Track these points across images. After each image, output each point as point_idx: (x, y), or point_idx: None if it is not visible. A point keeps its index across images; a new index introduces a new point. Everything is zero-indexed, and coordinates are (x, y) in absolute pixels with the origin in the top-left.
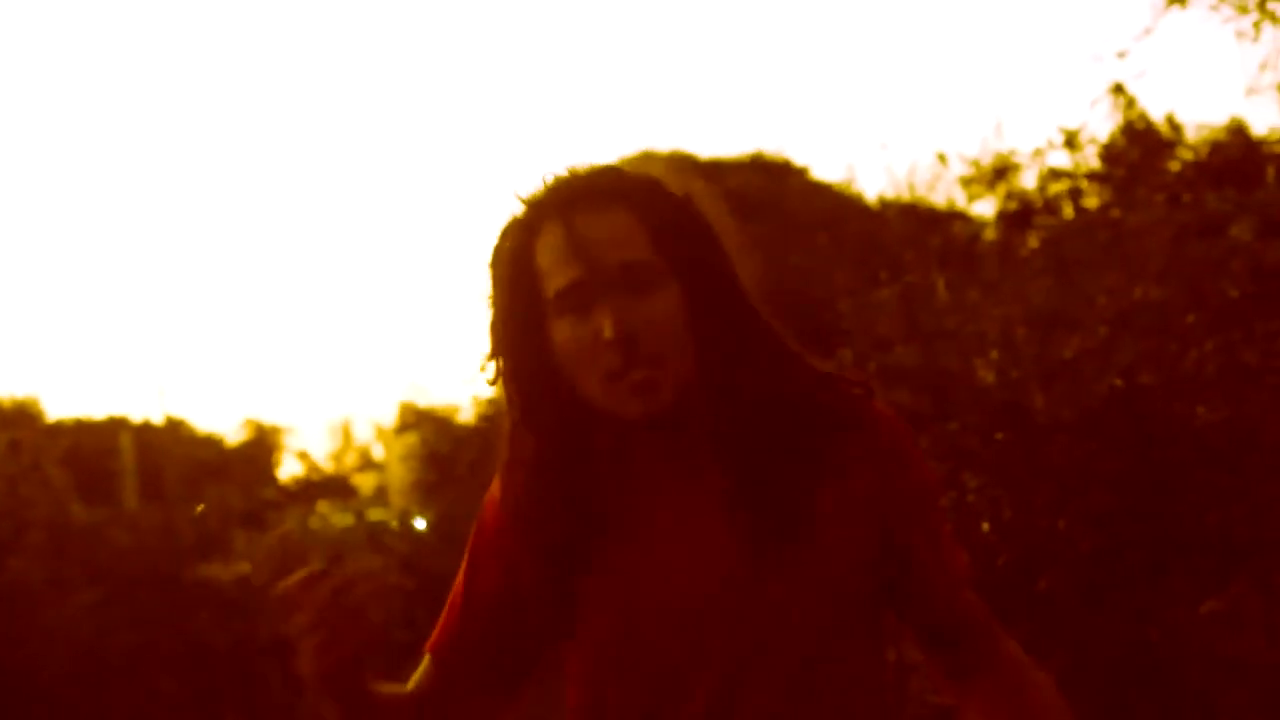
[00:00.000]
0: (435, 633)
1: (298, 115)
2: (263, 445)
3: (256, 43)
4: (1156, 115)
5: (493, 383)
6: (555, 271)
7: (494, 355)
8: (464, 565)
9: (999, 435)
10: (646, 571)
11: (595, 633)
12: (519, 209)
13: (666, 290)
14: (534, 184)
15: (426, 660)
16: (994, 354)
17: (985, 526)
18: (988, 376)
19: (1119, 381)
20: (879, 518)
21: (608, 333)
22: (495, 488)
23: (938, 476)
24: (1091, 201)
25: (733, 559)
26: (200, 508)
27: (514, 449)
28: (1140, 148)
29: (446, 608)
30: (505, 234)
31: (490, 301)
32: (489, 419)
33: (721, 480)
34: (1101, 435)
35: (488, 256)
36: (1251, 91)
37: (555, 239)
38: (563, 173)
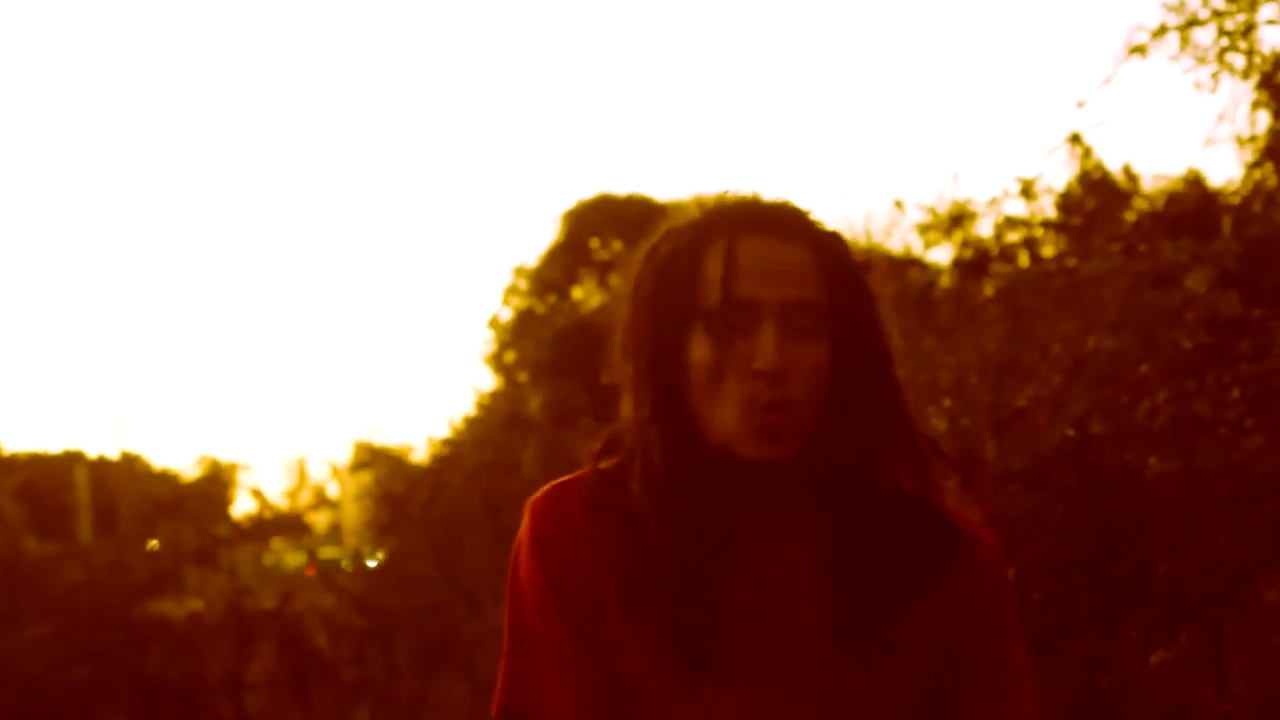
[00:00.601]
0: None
1: (250, 154)
2: (218, 482)
3: (209, 91)
4: (1114, 165)
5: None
6: (726, 284)
7: (623, 361)
8: (518, 635)
9: (949, 484)
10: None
11: None
12: (695, 215)
13: (821, 343)
14: (713, 197)
15: None
16: (946, 402)
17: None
18: (940, 424)
19: (1071, 431)
20: (956, 645)
21: (764, 362)
22: (529, 537)
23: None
24: (1047, 250)
25: (828, 671)
26: (153, 544)
27: (593, 495)
28: (1097, 197)
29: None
30: (674, 236)
31: (637, 301)
32: (442, 459)
33: (821, 570)
34: (1052, 484)
35: (646, 255)
36: (1210, 143)
37: (734, 253)
38: (746, 193)
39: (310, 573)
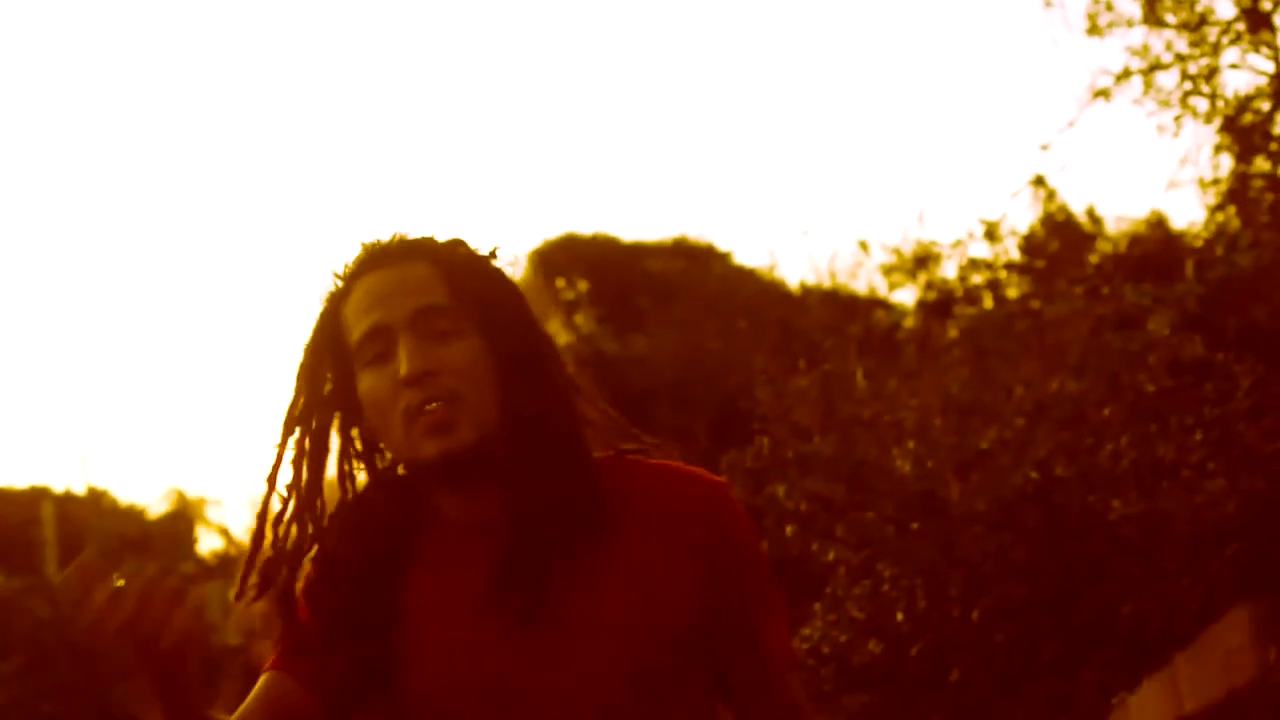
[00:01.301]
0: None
1: (219, 193)
2: (184, 518)
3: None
4: (1077, 208)
5: (294, 461)
6: (357, 322)
7: (298, 425)
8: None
9: (914, 525)
10: (423, 664)
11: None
12: (330, 281)
13: (467, 339)
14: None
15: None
16: (911, 444)
17: (899, 616)
18: (904, 466)
19: (1034, 474)
20: (696, 586)
21: (403, 369)
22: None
23: (762, 548)
24: (1011, 292)
25: (501, 647)
26: (119, 580)
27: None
28: (1060, 240)
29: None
30: (320, 303)
31: (301, 373)
32: None
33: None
34: (1016, 526)
35: (304, 343)
36: (1173, 185)
37: (358, 294)
38: (368, 240)
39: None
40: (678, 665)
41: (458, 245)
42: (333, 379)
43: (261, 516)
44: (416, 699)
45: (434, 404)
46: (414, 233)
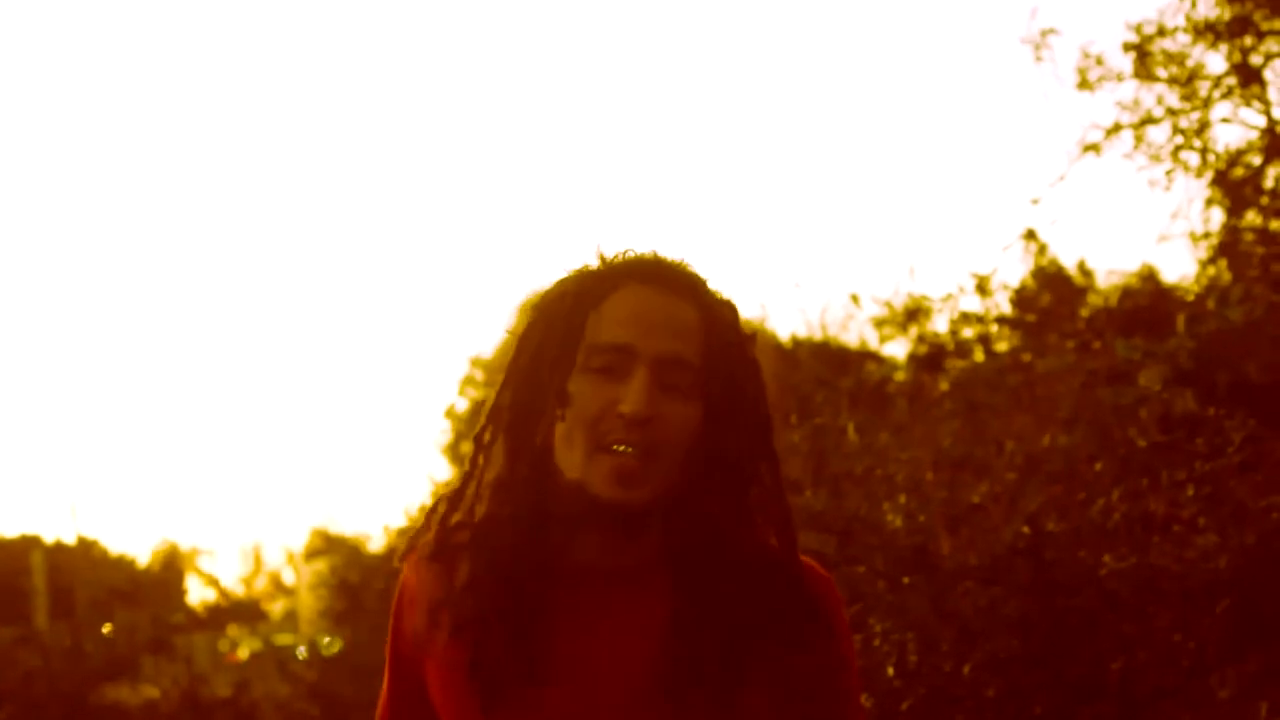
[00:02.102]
0: None
1: (208, 240)
2: (174, 568)
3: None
4: (1068, 261)
5: (487, 426)
6: (608, 327)
7: (503, 395)
8: (389, 662)
9: (906, 579)
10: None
11: None
12: (595, 263)
13: (692, 403)
14: (613, 249)
15: None
16: (902, 498)
17: (891, 671)
18: (895, 520)
19: (1026, 528)
20: (804, 700)
21: (630, 406)
22: (413, 577)
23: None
24: (1002, 346)
25: (655, 712)
26: (108, 629)
27: (452, 536)
28: (1051, 293)
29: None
30: (572, 281)
31: (523, 339)
32: (396, 549)
33: (665, 619)
34: (1007, 581)
35: (539, 298)
36: (1164, 239)
37: (627, 299)
38: (647, 251)
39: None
40: None
41: (728, 307)
42: (558, 355)
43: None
44: None
45: (631, 449)
46: (693, 270)
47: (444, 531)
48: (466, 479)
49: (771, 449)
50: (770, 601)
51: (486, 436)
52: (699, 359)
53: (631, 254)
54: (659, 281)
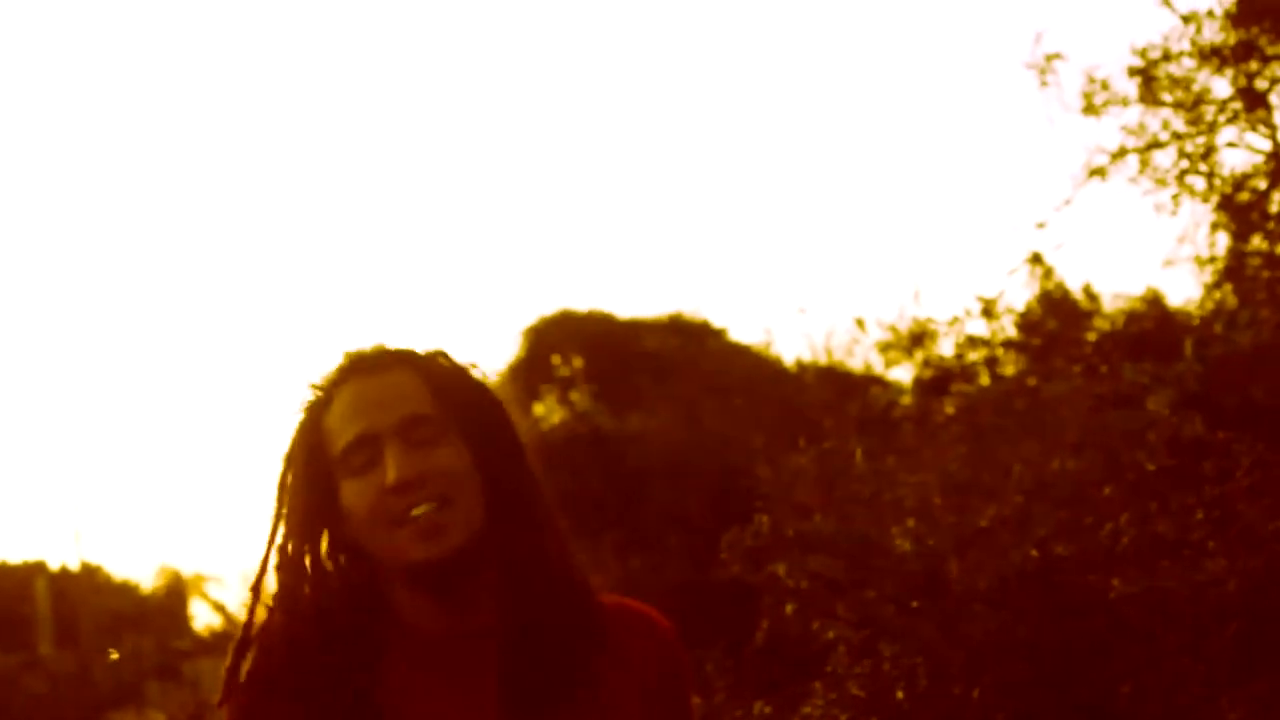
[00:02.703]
0: None
1: (215, 258)
2: (178, 594)
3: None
4: (1074, 285)
5: (278, 568)
6: (341, 430)
7: (282, 536)
8: None
9: (915, 603)
10: None
11: None
12: (310, 390)
13: (451, 445)
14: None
15: None
16: (910, 522)
17: (900, 694)
18: (905, 545)
19: (1035, 552)
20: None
21: (390, 476)
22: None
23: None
24: (1008, 370)
25: None
26: (113, 655)
27: (268, 661)
28: (1057, 317)
29: None
30: (300, 412)
31: (282, 484)
32: None
33: (499, 671)
34: (1016, 605)
35: (284, 451)
36: (1169, 263)
37: (341, 403)
38: (350, 349)
39: None
40: None
41: (439, 356)
42: (314, 488)
43: (251, 612)
44: None
45: (422, 509)
46: (394, 342)
47: (264, 654)
48: (250, 617)
49: (529, 471)
50: (582, 634)
51: (257, 577)
52: (434, 409)
53: (333, 365)
54: (364, 368)
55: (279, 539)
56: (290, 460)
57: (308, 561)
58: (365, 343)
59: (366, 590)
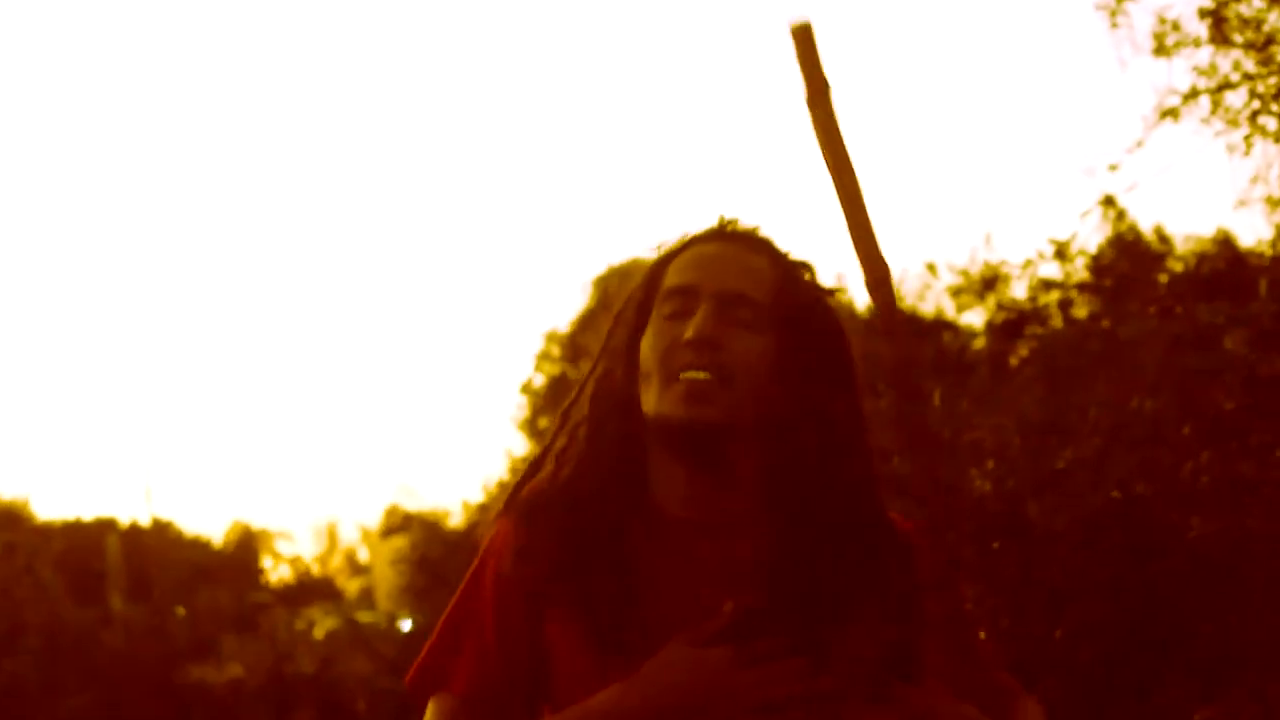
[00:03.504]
0: (462, 678)
1: (282, 211)
2: (249, 548)
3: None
4: (1146, 227)
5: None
6: (674, 275)
7: (594, 362)
8: (490, 608)
9: (995, 545)
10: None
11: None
12: (676, 239)
13: (761, 337)
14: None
15: (447, 705)
16: (990, 464)
17: (981, 635)
18: (985, 486)
19: (1115, 493)
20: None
21: (693, 330)
22: (506, 531)
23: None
24: (1080, 312)
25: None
26: (180, 612)
27: (545, 492)
28: (1130, 259)
29: (470, 652)
30: (656, 252)
31: (616, 316)
32: (479, 523)
33: (753, 569)
34: (1096, 545)
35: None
36: (1241, 204)
37: (690, 254)
38: (728, 218)
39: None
40: None
41: (803, 264)
42: (636, 326)
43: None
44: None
45: (700, 374)
46: (766, 236)
47: (538, 487)
48: (554, 438)
49: (852, 390)
50: (864, 551)
51: (573, 399)
52: (766, 297)
53: (705, 225)
54: (728, 237)
55: (597, 369)
56: (629, 296)
57: (616, 394)
58: (742, 219)
59: (636, 458)
